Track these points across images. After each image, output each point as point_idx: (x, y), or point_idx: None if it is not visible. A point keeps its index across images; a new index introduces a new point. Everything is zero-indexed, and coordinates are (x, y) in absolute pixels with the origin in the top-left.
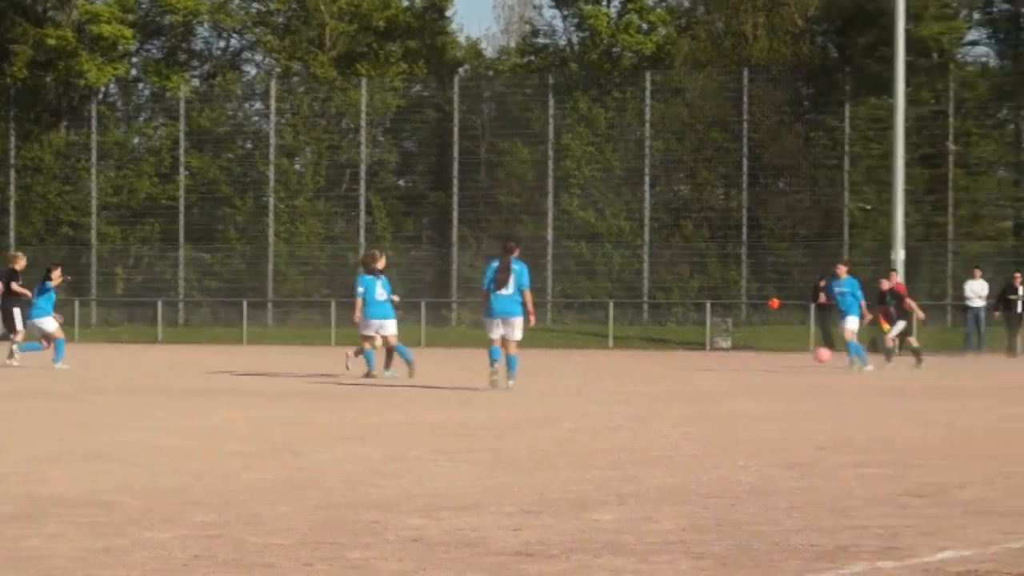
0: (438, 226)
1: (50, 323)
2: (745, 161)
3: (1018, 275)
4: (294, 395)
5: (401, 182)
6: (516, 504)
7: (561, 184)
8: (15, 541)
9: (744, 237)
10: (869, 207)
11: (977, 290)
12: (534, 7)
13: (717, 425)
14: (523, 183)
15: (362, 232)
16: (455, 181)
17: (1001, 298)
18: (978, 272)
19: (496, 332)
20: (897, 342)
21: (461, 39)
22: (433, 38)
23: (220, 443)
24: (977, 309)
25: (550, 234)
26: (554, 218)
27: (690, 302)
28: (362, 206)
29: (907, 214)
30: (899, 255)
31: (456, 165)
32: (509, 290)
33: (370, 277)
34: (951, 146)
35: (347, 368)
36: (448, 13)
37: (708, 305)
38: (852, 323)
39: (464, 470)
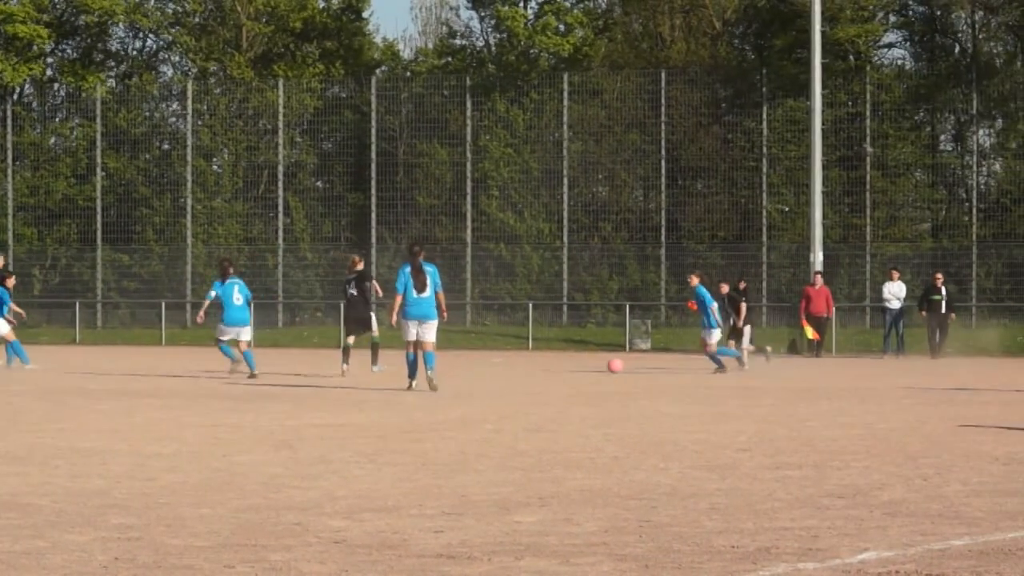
0: (356, 227)
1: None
2: (663, 163)
3: (940, 275)
4: (213, 397)
5: (319, 183)
6: (438, 506)
7: (480, 186)
8: None
9: (663, 239)
10: (787, 209)
11: (895, 292)
12: (451, 8)
13: (638, 427)
14: (441, 184)
15: (280, 233)
16: (373, 182)
17: (924, 299)
18: (896, 274)
19: (412, 334)
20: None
21: (378, 40)
22: (350, 39)
23: (140, 445)
24: (895, 311)
25: (469, 236)
26: (473, 220)
27: (609, 304)
28: (280, 207)
29: (825, 216)
30: (817, 257)
31: (374, 166)
32: (427, 292)
33: (229, 282)
34: (868, 148)
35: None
36: (365, 14)
37: (627, 307)
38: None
39: (385, 472)
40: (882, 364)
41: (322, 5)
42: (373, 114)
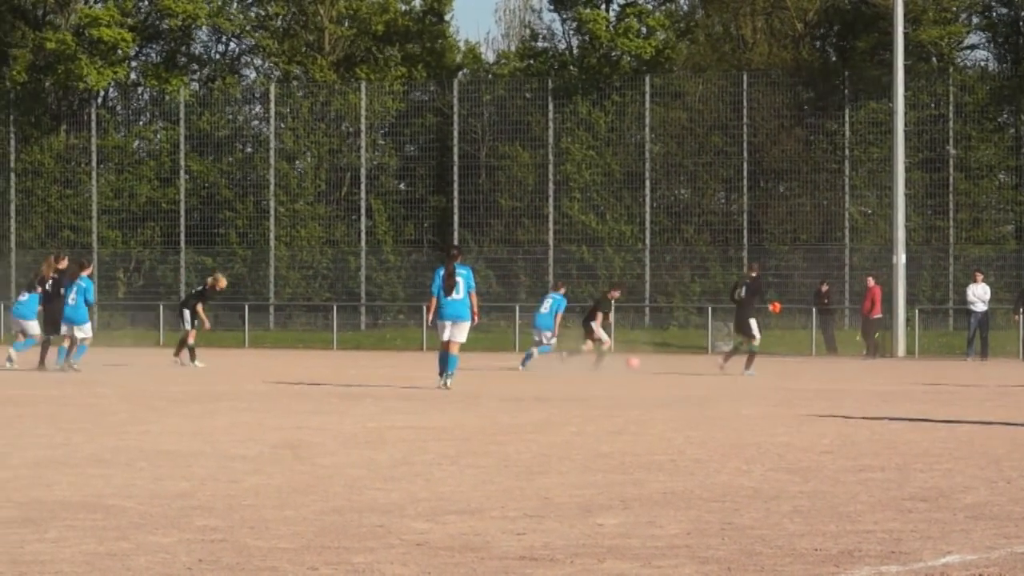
0: (439, 230)
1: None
2: (745, 165)
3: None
4: (296, 398)
5: (402, 186)
6: (520, 508)
7: (561, 188)
8: (19, 546)
9: (745, 241)
10: (869, 211)
11: (979, 294)
12: (533, 11)
13: (720, 429)
14: (523, 187)
15: (363, 236)
16: (455, 185)
17: (1021, 301)
18: (979, 276)
19: (447, 334)
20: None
21: (460, 43)
22: (432, 42)
23: (223, 447)
24: (980, 313)
25: (551, 238)
26: (555, 222)
27: (692, 306)
28: (363, 210)
29: (908, 218)
30: (900, 259)
31: (456, 169)
32: (459, 294)
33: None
34: (951, 150)
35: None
36: (447, 17)
37: (710, 309)
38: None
39: (468, 474)
40: (966, 367)
41: (404, 8)
42: (455, 116)
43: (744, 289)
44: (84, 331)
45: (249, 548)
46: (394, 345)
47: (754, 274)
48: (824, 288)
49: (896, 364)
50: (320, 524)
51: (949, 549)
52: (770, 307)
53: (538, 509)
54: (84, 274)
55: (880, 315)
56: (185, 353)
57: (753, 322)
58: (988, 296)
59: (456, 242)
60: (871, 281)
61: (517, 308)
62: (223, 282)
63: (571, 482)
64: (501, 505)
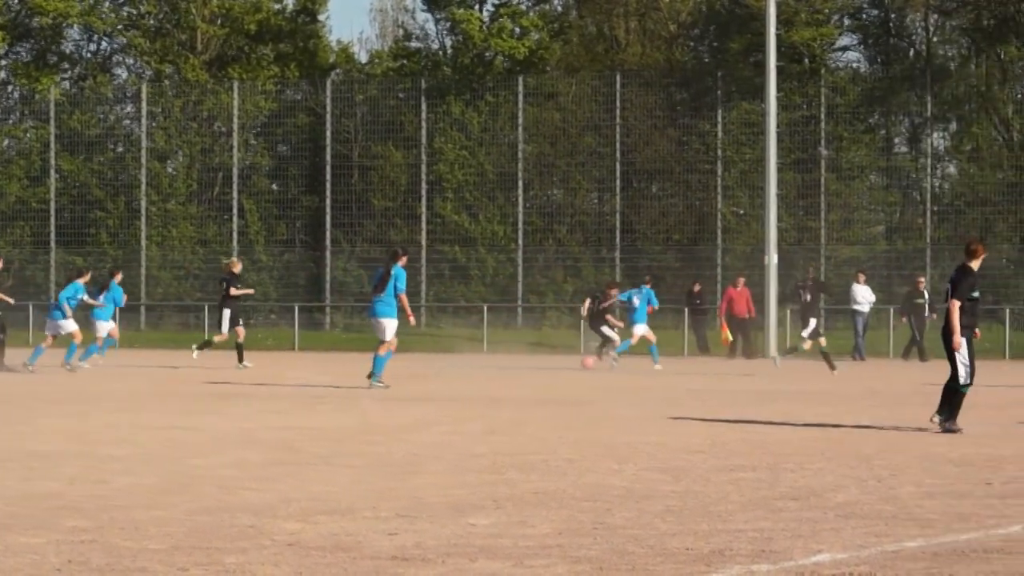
0: (311, 230)
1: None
2: (618, 165)
3: (922, 279)
4: (169, 399)
5: (274, 186)
6: (392, 508)
7: (434, 188)
8: None
9: (617, 241)
10: (741, 211)
11: (866, 295)
12: (406, 11)
13: (592, 429)
14: (396, 187)
15: (235, 236)
16: (328, 185)
17: (907, 302)
18: (862, 276)
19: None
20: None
21: (333, 43)
22: (305, 41)
23: (95, 448)
24: (865, 314)
25: (424, 238)
26: (427, 222)
27: (564, 306)
28: (235, 210)
29: (779, 218)
30: (772, 259)
31: (329, 169)
32: (383, 293)
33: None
34: (823, 151)
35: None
36: (320, 17)
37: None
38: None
39: (340, 474)
40: (852, 367)
41: (277, 7)
42: (328, 116)
43: (808, 291)
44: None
45: (119, 549)
46: (266, 345)
47: (812, 275)
48: (696, 288)
49: (768, 365)
50: (191, 524)
51: (820, 548)
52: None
53: (410, 509)
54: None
55: (745, 316)
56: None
57: (815, 321)
58: (873, 297)
59: (328, 242)
60: (742, 281)
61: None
62: (238, 265)
63: (443, 482)
64: (373, 505)
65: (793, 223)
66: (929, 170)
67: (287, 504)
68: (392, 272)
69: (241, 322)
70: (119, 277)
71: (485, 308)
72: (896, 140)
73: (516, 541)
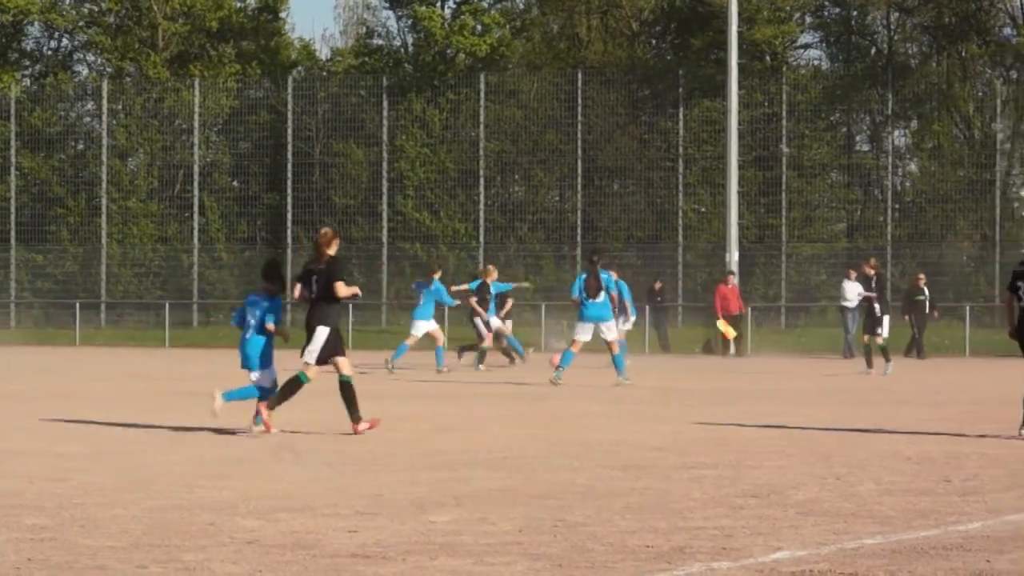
0: (272, 227)
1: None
2: (580, 163)
3: (922, 276)
4: (128, 397)
5: (235, 183)
6: (352, 506)
7: (396, 185)
8: None
9: (579, 239)
10: (703, 209)
11: (856, 292)
12: (368, 8)
13: (552, 427)
14: (357, 184)
15: (195, 233)
16: (289, 182)
17: (907, 300)
18: (853, 273)
19: (586, 335)
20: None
21: (295, 41)
22: (267, 39)
23: (53, 445)
24: (854, 311)
25: (385, 235)
26: (389, 219)
27: (526, 303)
28: (195, 207)
29: (741, 216)
30: (733, 257)
31: (290, 166)
32: (601, 297)
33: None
34: (784, 148)
35: None
36: (282, 14)
37: (543, 306)
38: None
39: (300, 472)
40: (844, 365)
41: (239, 5)
42: (289, 114)
43: (875, 287)
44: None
45: (78, 547)
46: (226, 342)
47: (874, 272)
48: (658, 286)
49: (729, 362)
50: (150, 522)
51: (780, 545)
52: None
53: (370, 506)
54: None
55: (737, 312)
56: None
57: (887, 319)
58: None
59: (289, 239)
60: (733, 279)
61: (350, 306)
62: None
63: (403, 479)
64: (333, 503)
65: (754, 221)
66: (890, 168)
67: (246, 502)
68: (602, 276)
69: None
70: (438, 274)
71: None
72: (857, 138)
73: (476, 538)
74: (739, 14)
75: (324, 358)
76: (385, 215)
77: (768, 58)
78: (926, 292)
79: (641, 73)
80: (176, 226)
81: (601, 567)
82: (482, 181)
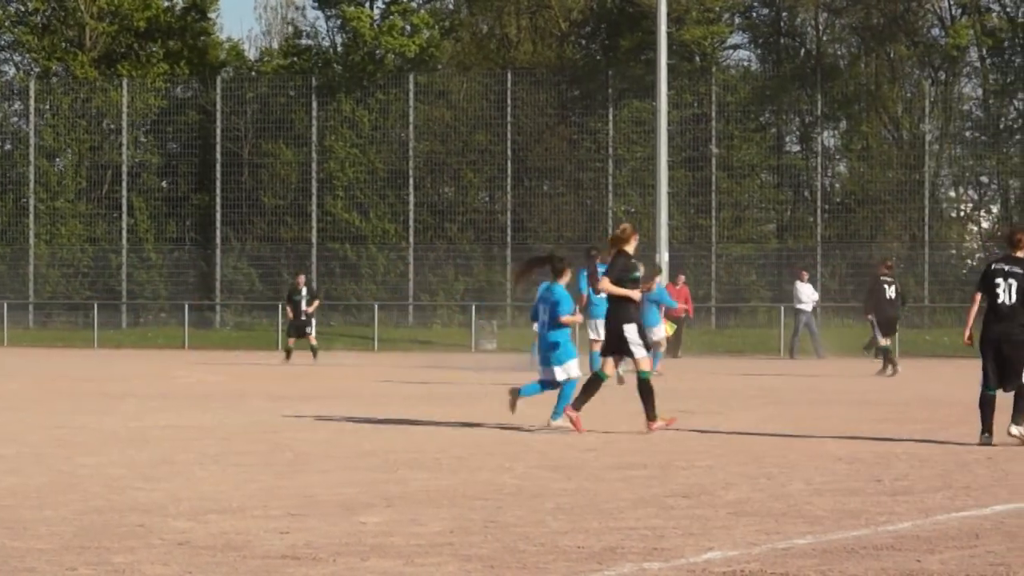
0: (201, 228)
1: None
2: (509, 163)
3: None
4: (57, 397)
5: (164, 183)
6: (282, 507)
7: (325, 186)
8: None
9: (508, 239)
10: (633, 210)
11: (809, 293)
12: (297, 9)
13: (484, 427)
14: (287, 185)
15: (124, 234)
16: (218, 183)
17: (870, 299)
18: (805, 275)
19: (596, 332)
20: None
21: (223, 40)
22: (195, 39)
23: None
24: (807, 313)
25: (314, 236)
26: (318, 220)
27: (455, 304)
28: (124, 207)
29: (671, 217)
30: (663, 258)
31: (219, 167)
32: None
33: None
34: (714, 149)
35: None
36: (210, 14)
37: (473, 307)
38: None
39: (230, 473)
40: (789, 365)
41: (166, 5)
42: (218, 114)
43: (894, 288)
44: None
45: (7, 549)
46: (156, 343)
47: (889, 272)
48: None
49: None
50: (80, 524)
51: (711, 545)
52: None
53: (301, 507)
54: None
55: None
56: None
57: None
58: (816, 295)
59: (219, 240)
60: (682, 279)
61: (279, 306)
62: None
63: (334, 480)
64: (264, 504)
65: (684, 221)
66: (820, 168)
67: (176, 503)
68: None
69: None
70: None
71: (376, 306)
72: (787, 138)
73: (407, 539)
74: (668, 15)
75: (626, 352)
76: (315, 215)
77: (697, 59)
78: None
79: (570, 74)
80: (105, 226)
81: (533, 568)
82: (412, 181)
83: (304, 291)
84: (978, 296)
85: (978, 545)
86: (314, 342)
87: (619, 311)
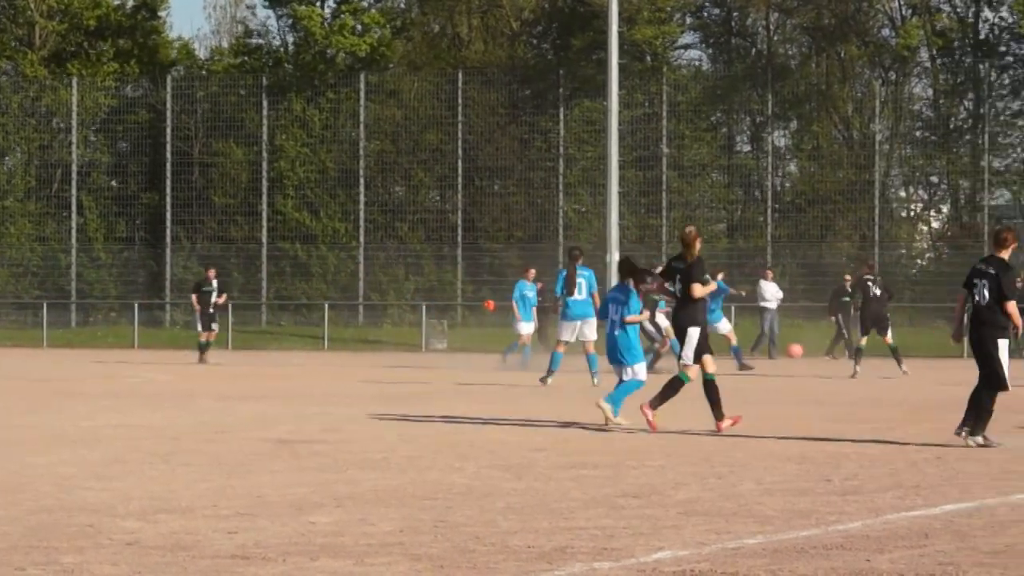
0: (151, 227)
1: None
2: (460, 163)
3: (849, 277)
4: (6, 396)
5: (113, 183)
6: (232, 507)
7: (276, 185)
8: None
9: (459, 239)
10: (583, 209)
11: (773, 292)
12: (247, 7)
13: (433, 427)
14: (237, 184)
15: (73, 233)
16: (168, 182)
17: (834, 301)
18: (770, 273)
19: (573, 334)
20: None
21: (174, 39)
22: (146, 38)
23: None
24: (772, 311)
25: (264, 235)
26: (268, 219)
27: (406, 304)
28: (73, 207)
29: (621, 216)
30: (613, 257)
31: (169, 166)
32: (582, 295)
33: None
34: (665, 149)
35: None
36: (160, 13)
37: (423, 307)
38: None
39: (180, 473)
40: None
41: (117, 3)
42: (168, 113)
43: (879, 286)
44: None
45: None
46: (105, 342)
47: (871, 272)
48: (539, 286)
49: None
50: (29, 524)
51: (661, 545)
52: (484, 305)
53: (251, 507)
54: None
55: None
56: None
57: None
58: (780, 294)
59: (169, 239)
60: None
61: (230, 306)
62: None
63: (284, 480)
64: (213, 504)
65: (635, 221)
66: (770, 168)
67: (126, 503)
68: (581, 274)
69: None
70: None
71: (326, 306)
72: (738, 138)
73: (357, 539)
74: (620, 14)
75: (698, 357)
76: (265, 215)
77: (649, 58)
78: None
79: (522, 73)
80: (54, 226)
81: (483, 568)
82: (362, 181)
83: (215, 284)
84: (962, 296)
85: (927, 544)
86: (212, 338)
87: (693, 313)
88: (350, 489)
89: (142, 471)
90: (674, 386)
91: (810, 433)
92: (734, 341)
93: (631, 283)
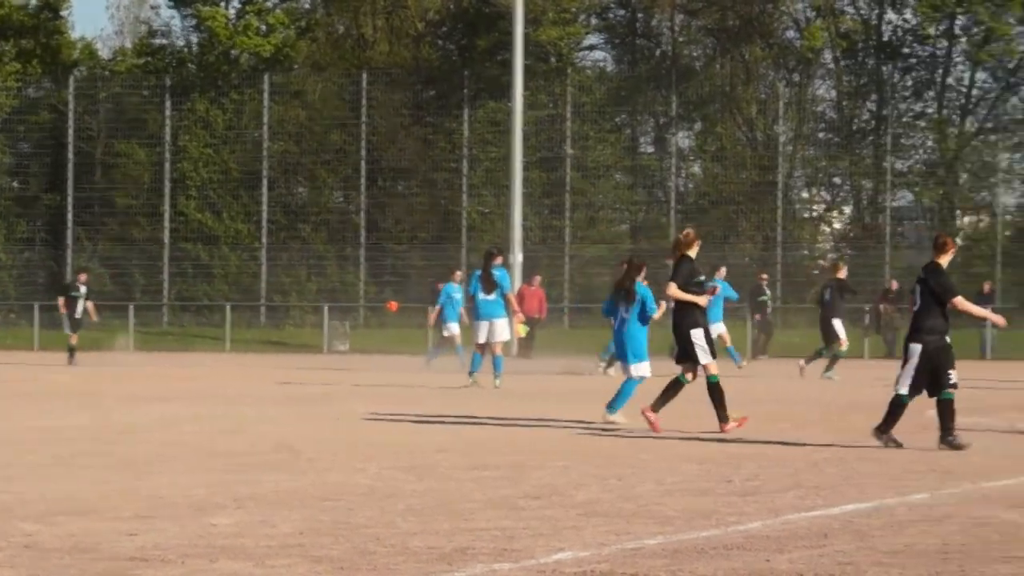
0: (52, 228)
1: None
2: (364, 164)
3: (765, 276)
4: None
5: (15, 183)
6: (132, 508)
7: (178, 186)
8: None
9: (362, 240)
10: (487, 210)
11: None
12: (151, 8)
13: (334, 428)
14: (139, 185)
15: None
16: (70, 183)
17: (752, 300)
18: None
19: (483, 335)
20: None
21: (77, 40)
22: (48, 37)
23: None
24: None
25: (167, 236)
26: (171, 220)
27: (308, 305)
28: None
29: (525, 217)
30: (517, 258)
31: (71, 167)
32: (492, 295)
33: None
34: (568, 150)
35: None
36: (63, 13)
37: (326, 308)
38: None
39: (80, 474)
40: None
41: (18, 3)
42: (71, 114)
43: (829, 291)
44: None
45: None
46: (5, 344)
47: (841, 275)
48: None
49: (513, 363)
50: None
51: (561, 546)
52: (386, 306)
53: (151, 509)
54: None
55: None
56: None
57: (838, 323)
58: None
59: (70, 240)
60: (537, 281)
61: (132, 308)
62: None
63: (184, 482)
64: (114, 505)
65: (538, 222)
66: (674, 169)
67: (24, 505)
68: (495, 273)
69: None
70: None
71: (228, 307)
72: (641, 139)
73: (257, 541)
74: (524, 15)
75: (692, 356)
76: (167, 216)
77: (553, 59)
78: (768, 292)
79: (426, 74)
80: None
81: (383, 569)
82: (265, 182)
83: (84, 289)
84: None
85: (827, 544)
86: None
87: (687, 316)
88: (251, 490)
89: (41, 472)
90: (675, 388)
91: (712, 434)
92: (728, 342)
93: (641, 278)
